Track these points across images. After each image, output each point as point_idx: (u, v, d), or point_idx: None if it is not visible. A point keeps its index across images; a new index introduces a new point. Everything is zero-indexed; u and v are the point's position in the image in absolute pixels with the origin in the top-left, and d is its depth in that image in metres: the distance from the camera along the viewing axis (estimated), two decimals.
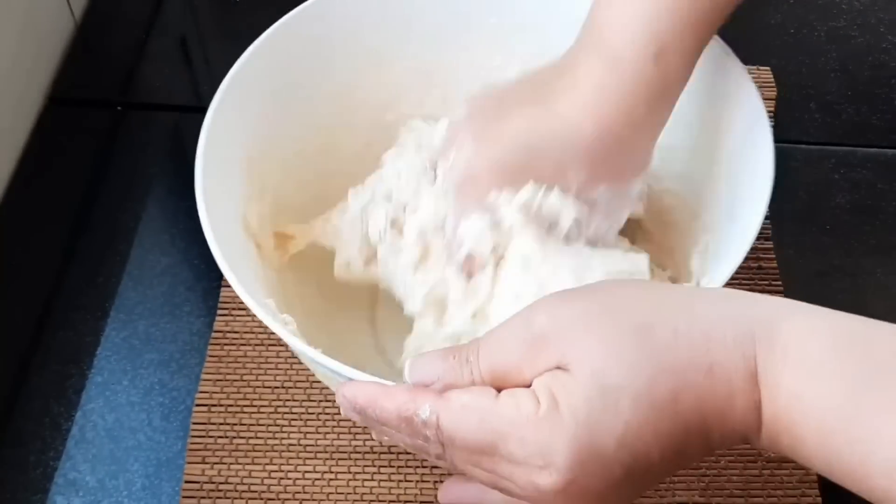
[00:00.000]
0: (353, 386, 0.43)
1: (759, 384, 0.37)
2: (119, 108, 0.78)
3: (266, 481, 0.58)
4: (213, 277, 0.66)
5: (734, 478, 0.57)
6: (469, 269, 0.53)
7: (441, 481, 0.57)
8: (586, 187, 0.52)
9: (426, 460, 0.57)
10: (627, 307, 0.39)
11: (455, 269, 0.53)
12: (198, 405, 0.60)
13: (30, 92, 0.76)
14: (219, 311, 0.64)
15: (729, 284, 0.47)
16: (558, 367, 0.38)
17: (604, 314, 0.39)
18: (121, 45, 0.82)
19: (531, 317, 0.40)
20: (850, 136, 0.76)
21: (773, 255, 0.66)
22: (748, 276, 0.65)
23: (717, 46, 0.57)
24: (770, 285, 0.65)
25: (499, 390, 0.40)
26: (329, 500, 0.57)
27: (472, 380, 0.40)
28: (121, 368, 0.63)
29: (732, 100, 0.56)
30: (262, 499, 0.57)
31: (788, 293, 0.65)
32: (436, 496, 0.56)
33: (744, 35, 0.66)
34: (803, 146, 0.74)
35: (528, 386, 0.39)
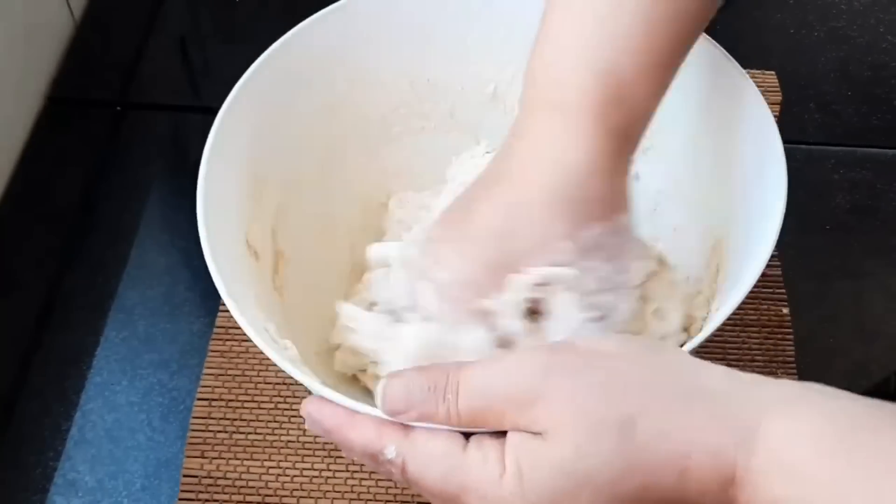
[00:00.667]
0: (321, 407, 0.42)
1: (738, 487, 0.37)
2: (119, 108, 0.78)
3: (264, 477, 0.58)
4: (211, 278, 0.66)
5: None
6: None
7: None
8: (574, 249, 0.48)
9: None
10: (623, 392, 0.38)
11: None
12: (199, 399, 0.60)
13: (29, 92, 0.76)
14: (221, 307, 0.64)
15: None
16: (535, 433, 0.38)
17: (593, 399, 0.38)
18: (120, 44, 0.82)
19: (519, 370, 0.39)
20: (849, 136, 0.76)
21: (774, 255, 0.66)
22: None
23: (720, 55, 0.56)
24: (772, 290, 0.65)
25: (470, 428, 0.39)
26: (326, 497, 0.57)
27: (447, 417, 0.40)
28: (120, 369, 0.63)
29: (738, 108, 0.56)
30: (259, 495, 0.57)
31: (789, 293, 0.65)
32: None
33: (743, 36, 0.66)
34: (803, 146, 0.74)
35: (502, 433, 0.39)
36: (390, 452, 0.40)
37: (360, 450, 0.41)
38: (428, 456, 0.40)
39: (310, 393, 0.44)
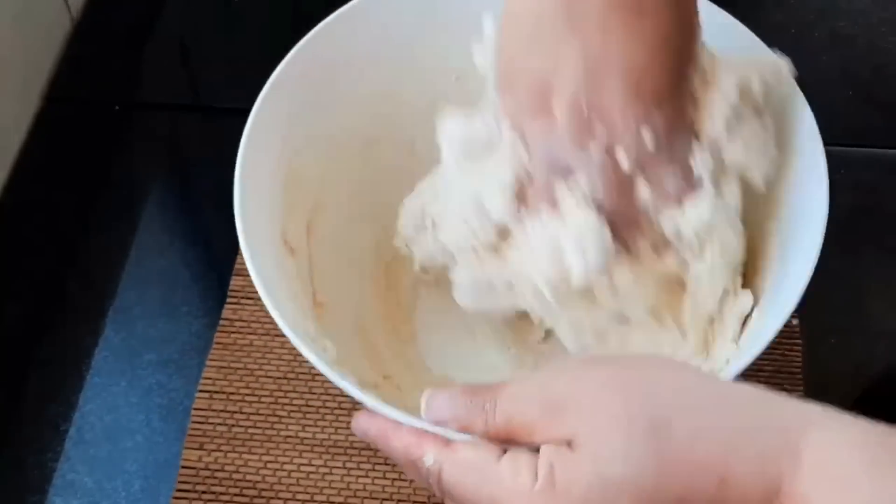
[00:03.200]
0: (367, 418, 0.44)
1: (782, 498, 0.36)
2: (118, 108, 0.77)
3: (261, 471, 0.58)
4: (211, 278, 0.66)
5: None
6: None
7: None
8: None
9: None
10: (652, 395, 0.38)
11: None
12: (200, 391, 0.60)
13: (28, 91, 0.76)
14: (228, 300, 0.64)
15: None
16: (567, 441, 0.38)
17: (625, 401, 0.38)
18: (120, 44, 0.82)
19: (553, 380, 0.40)
20: (850, 136, 0.75)
21: None
22: None
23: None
24: None
25: (507, 443, 0.40)
26: (322, 494, 0.57)
27: (485, 429, 0.40)
28: (119, 369, 0.63)
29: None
30: (256, 488, 0.57)
31: None
32: (429, 497, 0.57)
33: None
34: None
35: (537, 447, 0.39)
36: (429, 460, 0.41)
37: (402, 456, 0.42)
38: (463, 464, 0.40)
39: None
